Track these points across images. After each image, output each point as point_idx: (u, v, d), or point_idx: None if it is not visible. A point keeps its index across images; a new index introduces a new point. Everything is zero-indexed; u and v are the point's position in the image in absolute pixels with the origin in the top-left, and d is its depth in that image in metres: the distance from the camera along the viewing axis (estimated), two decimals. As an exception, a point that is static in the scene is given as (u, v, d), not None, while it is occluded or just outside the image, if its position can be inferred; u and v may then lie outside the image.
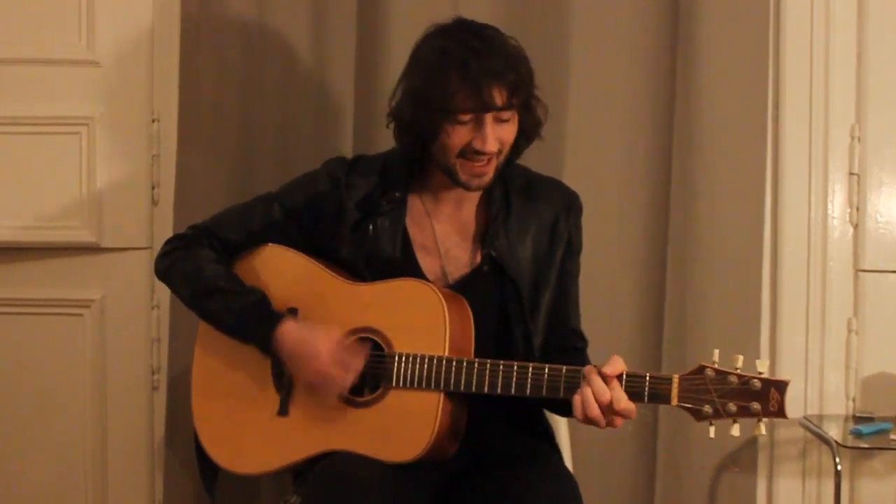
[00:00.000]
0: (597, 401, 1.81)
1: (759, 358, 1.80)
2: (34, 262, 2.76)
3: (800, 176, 2.67)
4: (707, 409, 1.79)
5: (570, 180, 2.22)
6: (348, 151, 2.53)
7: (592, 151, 2.60)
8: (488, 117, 1.93)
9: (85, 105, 2.71)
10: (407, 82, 2.02)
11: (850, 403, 2.68)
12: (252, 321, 2.01)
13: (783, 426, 2.66)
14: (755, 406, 1.77)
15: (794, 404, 2.60)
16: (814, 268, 2.67)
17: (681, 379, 1.81)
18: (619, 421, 1.84)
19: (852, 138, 2.67)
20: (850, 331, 2.68)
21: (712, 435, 1.80)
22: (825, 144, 2.66)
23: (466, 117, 1.93)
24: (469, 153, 1.96)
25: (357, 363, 1.94)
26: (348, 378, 1.93)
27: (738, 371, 1.78)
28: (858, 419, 2.61)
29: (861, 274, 2.68)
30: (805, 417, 2.63)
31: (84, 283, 2.77)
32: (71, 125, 2.71)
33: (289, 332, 1.98)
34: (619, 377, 1.82)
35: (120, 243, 2.74)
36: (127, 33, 2.71)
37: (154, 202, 2.75)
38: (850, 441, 2.48)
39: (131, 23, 2.71)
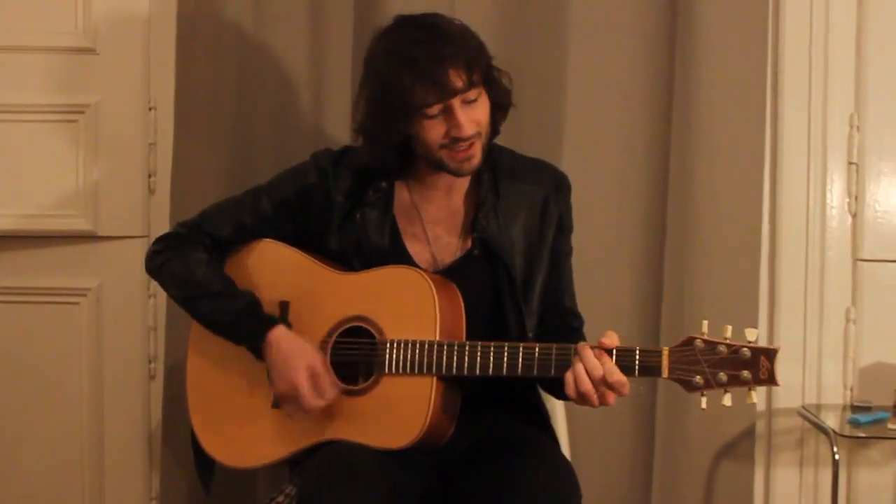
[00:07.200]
0: (589, 376, 1.81)
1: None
2: (30, 251, 2.76)
3: (798, 165, 2.66)
4: (698, 379, 1.78)
5: (569, 169, 2.21)
6: (346, 141, 2.52)
7: (592, 138, 2.59)
8: (455, 102, 1.91)
9: (81, 93, 2.70)
10: (365, 94, 2.00)
11: (848, 393, 2.67)
12: (244, 325, 2.01)
13: (781, 416, 2.66)
14: (745, 374, 1.76)
15: (792, 393, 2.64)
16: (812, 257, 2.67)
17: (671, 351, 1.81)
18: (611, 396, 1.83)
19: (851, 127, 2.66)
20: (848, 320, 2.67)
21: (704, 406, 1.79)
22: (824, 134, 2.66)
23: (434, 110, 1.92)
24: (449, 143, 1.95)
25: (330, 393, 1.94)
26: (319, 403, 1.94)
27: (728, 341, 1.78)
28: (856, 408, 2.60)
29: (859, 263, 2.67)
30: (803, 407, 2.62)
31: (80, 271, 2.76)
32: (67, 113, 2.71)
33: (277, 340, 1.98)
34: (610, 352, 1.82)
35: (116, 232, 2.74)
36: (123, 21, 2.70)
37: (150, 190, 2.74)
38: (848, 430, 2.48)
39: (128, 10, 2.70)
